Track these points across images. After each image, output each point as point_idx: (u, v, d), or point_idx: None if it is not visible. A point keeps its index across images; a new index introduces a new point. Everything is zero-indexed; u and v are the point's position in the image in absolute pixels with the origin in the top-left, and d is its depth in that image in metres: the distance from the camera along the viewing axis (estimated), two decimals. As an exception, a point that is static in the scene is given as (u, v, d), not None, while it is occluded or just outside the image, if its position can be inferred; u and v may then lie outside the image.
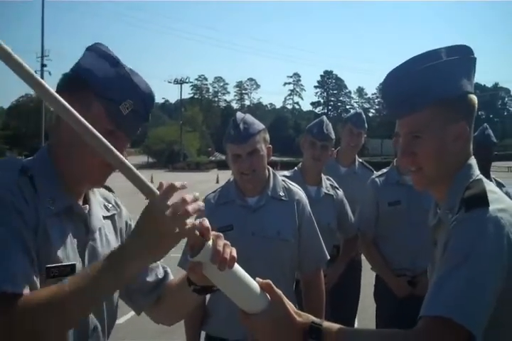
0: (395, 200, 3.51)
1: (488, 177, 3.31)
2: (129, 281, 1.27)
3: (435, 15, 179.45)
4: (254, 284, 1.27)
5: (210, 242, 1.22)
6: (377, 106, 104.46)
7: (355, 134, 4.16)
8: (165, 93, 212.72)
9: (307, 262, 2.58)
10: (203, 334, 2.63)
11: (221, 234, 1.26)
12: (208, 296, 1.67)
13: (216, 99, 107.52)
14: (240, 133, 2.46)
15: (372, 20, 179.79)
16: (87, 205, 1.48)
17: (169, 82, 68.10)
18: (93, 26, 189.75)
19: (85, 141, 1.16)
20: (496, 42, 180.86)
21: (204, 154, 61.45)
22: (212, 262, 1.20)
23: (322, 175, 3.61)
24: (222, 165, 39.00)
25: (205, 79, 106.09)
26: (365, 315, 4.97)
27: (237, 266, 1.25)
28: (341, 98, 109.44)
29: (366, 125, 4.25)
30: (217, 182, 25.90)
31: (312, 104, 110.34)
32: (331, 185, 3.63)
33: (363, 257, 3.94)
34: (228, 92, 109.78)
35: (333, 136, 3.60)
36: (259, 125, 2.53)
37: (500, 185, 3.77)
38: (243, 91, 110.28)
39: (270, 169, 2.62)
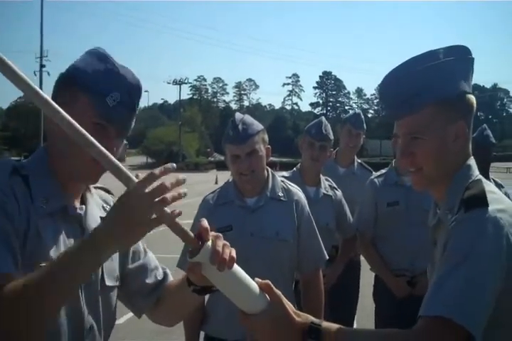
0: (393, 201, 3.52)
1: (487, 177, 3.31)
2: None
3: (435, 15, 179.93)
4: (254, 284, 1.27)
5: (210, 243, 1.22)
6: (376, 107, 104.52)
7: (354, 135, 4.16)
8: (164, 94, 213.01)
9: (306, 262, 2.58)
10: (202, 334, 2.64)
11: (220, 235, 1.26)
12: (207, 296, 1.67)
13: (215, 100, 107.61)
14: (239, 133, 2.46)
15: (372, 20, 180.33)
16: (84, 206, 1.48)
17: (168, 83, 68.15)
18: (92, 26, 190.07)
19: (64, 130, 1.15)
20: (496, 42, 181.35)
21: (203, 155, 61.50)
22: (212, 263, 1.20)
23: (321, 175, 3.62)
24: (221, 166, 39.02)
25: (204, 79, 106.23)
26: (364, 315, 4.97)
27: (236, 267, 1.25)
28: (340, 99, 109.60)
29: (365, 126, 4.26)
30: (216, 182, 25.90)
31: (311, 104, 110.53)
32: (329, 185, 3.63)
33: (362, 257, 3.95)
34: (227, 93, 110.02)
35: (331, 136, 3.61)
36: (258, 125, 2.54)
37: (499, 186, 3.77)
38: (242, 92, 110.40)
39: (269, 169, 2.62)
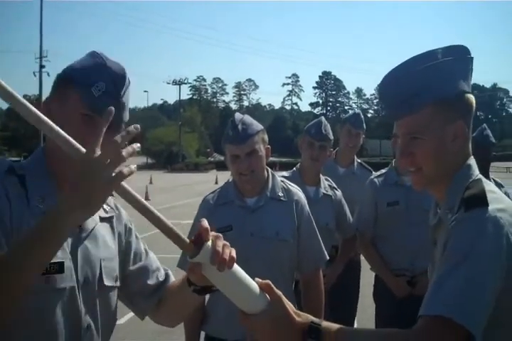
0: (393, 201, 3.52)
1: (487, 177, 3.31)
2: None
3: (435, 15, 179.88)
4: (254, 284, 1.27)
5: (210, 243, 1.22)
6: (375, 107, 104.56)
7: (354, 135, 4.16)
8: (163, 94, 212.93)
9: (306, 262, 2.58)
10: (202, 334, 2.64)
11: (220, 235, 1.26)
12: (207, 296, 1.67)
13: (215, 100, 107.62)
14: (239, 133, 2.46)
15: (371, 20, 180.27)
16: None
17: (168, 83, 68.21)
18: (91, 26, 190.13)
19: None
20: (495, 42, 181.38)
21: (203, 155, 61.49)
22: (212, 263, 1.20)
23: (320, 175, 3.62)
24: (221, 166, 39.01)
25: (204, 79, 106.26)
26: (365, 315, 4.97)
27: (236, 267, 1.25)
28: (340, 99, 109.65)
29: (365, 125, 4.26)
30: (216, 182, 25.91)
31: (311, 104, 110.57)
32: (329, 185, 3.63)
33: (362, 257, 3.95)
34: (227, 93, 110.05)
35: (331, 136, 3.61)
36: (257, 125, 2.54)
37: (499, 186, 3.77)
38: (242, 92, 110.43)
39: (269, 169, 2.62)
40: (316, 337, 1.26)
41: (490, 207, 1.32)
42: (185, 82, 69.88)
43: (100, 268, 1.47)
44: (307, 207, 2.61)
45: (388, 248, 3.54)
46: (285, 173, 3.58)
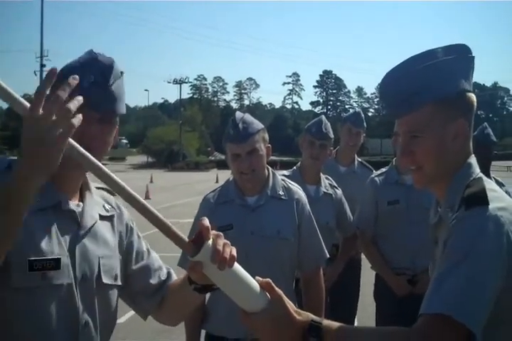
0: (394, 199, 3.53)
1: (488, 176, 3.31)
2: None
3: (435, 15, 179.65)
4: (254, 283, 1.27)
5: (210, 241, 1.23)
6: (376, 106, 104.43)
7: (354, 133, 4.17)
8: (164, 93, 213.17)
9: (307, 261, 2.59)
10: (203, 333, 2.64)
11: (221, 234, 1.26)
12: (207, 295, 1.67)
13: (215, 99, 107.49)
14: (239, 132, 2.47)
15: (372, 20, 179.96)
16: (81, 203, 1.50)
17: (168, 82, 68.01)
18: (92, 26, 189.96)
19: None
20: (496, 42, 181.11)
21: (203, 154, 61.42)
22: (212, 261, 1.20)
23: (321, 174, 3.62)
24: (221, 165, 39.00)
25: (205, 79, 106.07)
26: (365, 314, 4.97)
27: (237, 265, 1.25)
28: (340, 98, 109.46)
29: (365, 124, 4.26)
30: (217, 181, 25.91)
31: (311, 103, 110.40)
32: (329, 184, 3.64)
33: (362, 256, 3.95)
34: (227, 92, 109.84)
35: (331, 135, 3.61)
36: (258, 124, 2.54)
37: (500, 185, 3.77)
38: (242, 91, 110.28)
39: (269, 168, 2.62)
40: (317, 336, 1.26)
41: (490, 206, 1.32)
42: (186, 81, 69.72)
43: (99, 266, 1.47)
44: (308, 206, 2.61)
45: (389, 246, 3.54)
46: (286, 172, 3.59)
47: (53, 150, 1.06)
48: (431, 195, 1.64)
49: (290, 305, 1.29)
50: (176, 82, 67.56)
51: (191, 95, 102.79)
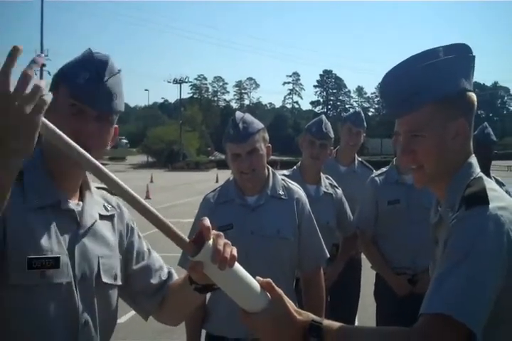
0: (394, 199, 3.53)
1: (488, 175, 3.31)
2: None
3: (435, 15, 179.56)
4: (255, 283, 1.27)
5: (211, 241, 1.22)
6: (376, 106, 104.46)
7: (354, 133, 4.17)
8: (164, 93, 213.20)
9: (307, 260, 2.59)
10: (203, 332, 2.64)
11: (221, 234, 1.26)
12: (208, 295, 1.67)
13: (215, 99, 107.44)
14: (240, 132, 2.47)
15: (372, 20, 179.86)
16: (81, 202, 1.50)
17: (168, 82, 67.96)
18: (92, 26, 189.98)
19: None
20: (496, 41, 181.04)
21: (203, 153, 61.41)
22: (213, 261, 1.20)
23: (321, 174, 3.62)
24: (221, 165, 38.98)
25: (205, 78, 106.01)
26: (365, 314, 4.97)
27: (237, 265, 1.25)
28: (341, 97, 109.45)
29: (365, 124, 4.26)
30: (217, 181, 25.90)
31: (311, 103, 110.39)
32: (330, 183, 3.64)
33: (363, 256, 3.95)
34: (228, 92, 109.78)
35: (331, 134, 3.61)
36: (258, 124, 2.54)
37: (500, 184, 3.77)
38: (242, 91, 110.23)
39: (270, 168, 2.62)
40: (317, 336, 1.26)
41: (491, 205, 1.32)
42: (186, 80, 69.70)
43: (98, 265, 1.47)
44: (308, 206, 2.61)
45: (389, 246, 3.54)
46: (286, 172, 3.59)
47: (28, 129, 1.01)
48: (431, 195, 1.64)
49: (290, 304, 1.29)
50: (176, 81, 67.54)
51: (191, 95, 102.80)
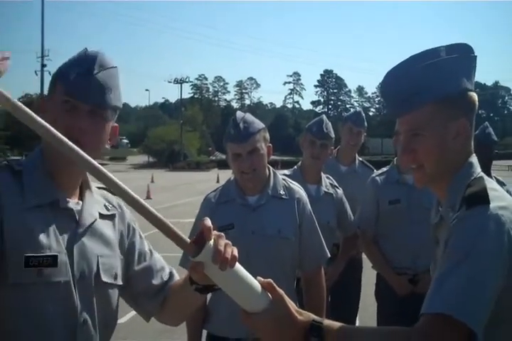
0: (395, 199, 3.52)
1: (489, 175, 3.31)
2: None
3: (435, 15, 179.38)
4: (256, 283, 1.27)
5: (212, 242, 1.22)
6: (377, 105, 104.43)
7: (355, 133, 4.17)
8: (165, 93, 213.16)
9: (308, 260, 2.58)
10: (204, 333, 2.64)
11: (222, 234, 1.26)
12: (209, 295, 1.67)
13: (216, 99, 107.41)
14: (240, 132, 2.47)
15: (372, 20, 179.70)
16: (81, 202, 1.50)
17: (169, 82, 68.03)
18: (92, 26, 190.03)
19: None
20: (496, 41, 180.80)
21: (204, 153, 61.42)
22: (214, 262, 1.20)
23: (322, 173, 3.62)
24: (222, 165, 38.98)
25: (205, 78, 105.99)
26: (366, 314, 4.97)
27: (238, 266, 1.25)
28: (341, 97, 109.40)
29: (366, 124, 4.26)
30: (218, 181, 25.91)
31: (312, 103, 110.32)
32: (330, 183, 3.63)
33: (363, 256, 3.95)
34: (228, 92, 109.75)
35: (332, 134, 3.61)
36: (259, 124, 2.54)
37: (501, 184, 3.77)
38: (243, 91, 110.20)
39: (270, 168, 2.62)
40: (318, 336, 1.26)
41: (491, 205, 1.32)
42: (187, 80, 69.73)
43: (97, 264, 1.47)
44: (309, 205, 2.61)
45: (390, 246, 3.54)
46: (286, 171, 3.58)
47: None
48: (432, 195, 1.63)
49: (291, 305, 1.29)
50: (176, 81, 67.57)
51: (192, 95, 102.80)
